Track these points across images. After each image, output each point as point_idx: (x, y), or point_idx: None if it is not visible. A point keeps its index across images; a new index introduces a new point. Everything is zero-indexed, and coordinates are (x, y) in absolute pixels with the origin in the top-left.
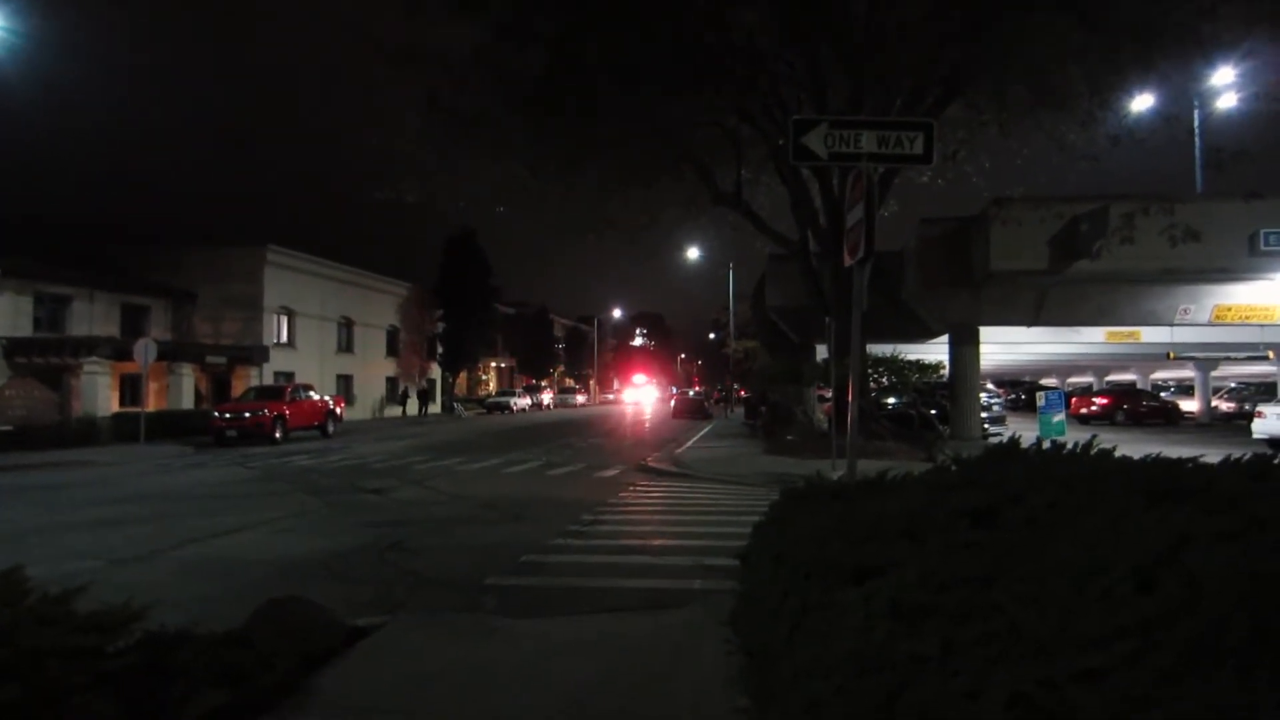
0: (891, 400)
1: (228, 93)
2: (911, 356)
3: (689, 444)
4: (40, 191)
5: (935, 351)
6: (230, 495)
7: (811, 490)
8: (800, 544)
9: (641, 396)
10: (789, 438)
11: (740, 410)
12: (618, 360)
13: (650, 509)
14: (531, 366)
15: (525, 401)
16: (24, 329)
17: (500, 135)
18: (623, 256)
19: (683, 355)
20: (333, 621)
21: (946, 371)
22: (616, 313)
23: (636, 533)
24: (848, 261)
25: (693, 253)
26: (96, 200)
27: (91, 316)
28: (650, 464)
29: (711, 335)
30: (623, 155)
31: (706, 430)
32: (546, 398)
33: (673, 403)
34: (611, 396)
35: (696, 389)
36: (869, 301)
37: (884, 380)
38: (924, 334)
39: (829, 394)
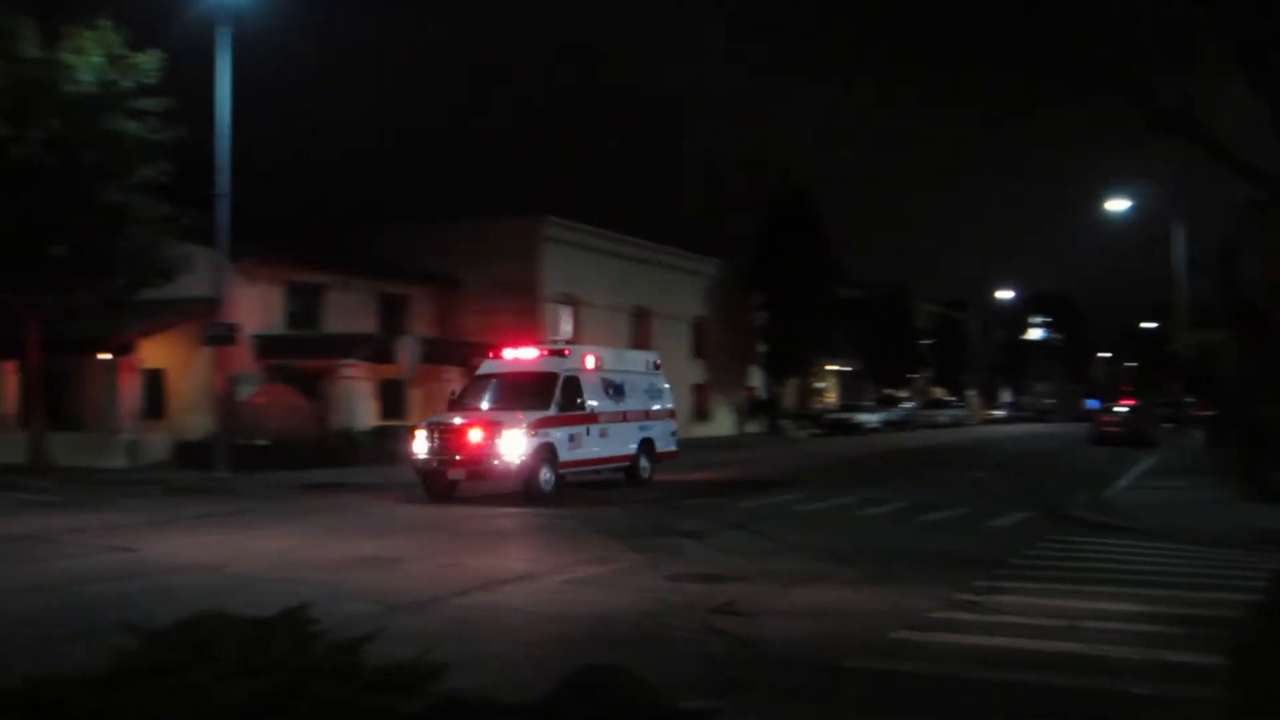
0: None
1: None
2: None
3: (1123, 483)
4: (279, 172)
5: None
6: (505, 534)
7: None
8: None
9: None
10: None
11: (1198, 435)
12: (1012, 360)
13: (1072, 574)
14: (883, 370)
15: (876, 418)
16: (276, 325)
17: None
18: (1002, 219)
19: (1102, 354)
20: (659, 702)
21: None
22: (1003, 294)
23: (1054, 609)
24: None
25: (1115, 204)
26: (335, 180)
27: (347, 308)
28: (1067, 511)
29: (1152, 324)
30: (1021, 62)
31: (1149, 463)
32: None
33: (1096, 423)
34: (1001, 413)
35: (1129, 403)
36: None
37: None
38: None
39: None
